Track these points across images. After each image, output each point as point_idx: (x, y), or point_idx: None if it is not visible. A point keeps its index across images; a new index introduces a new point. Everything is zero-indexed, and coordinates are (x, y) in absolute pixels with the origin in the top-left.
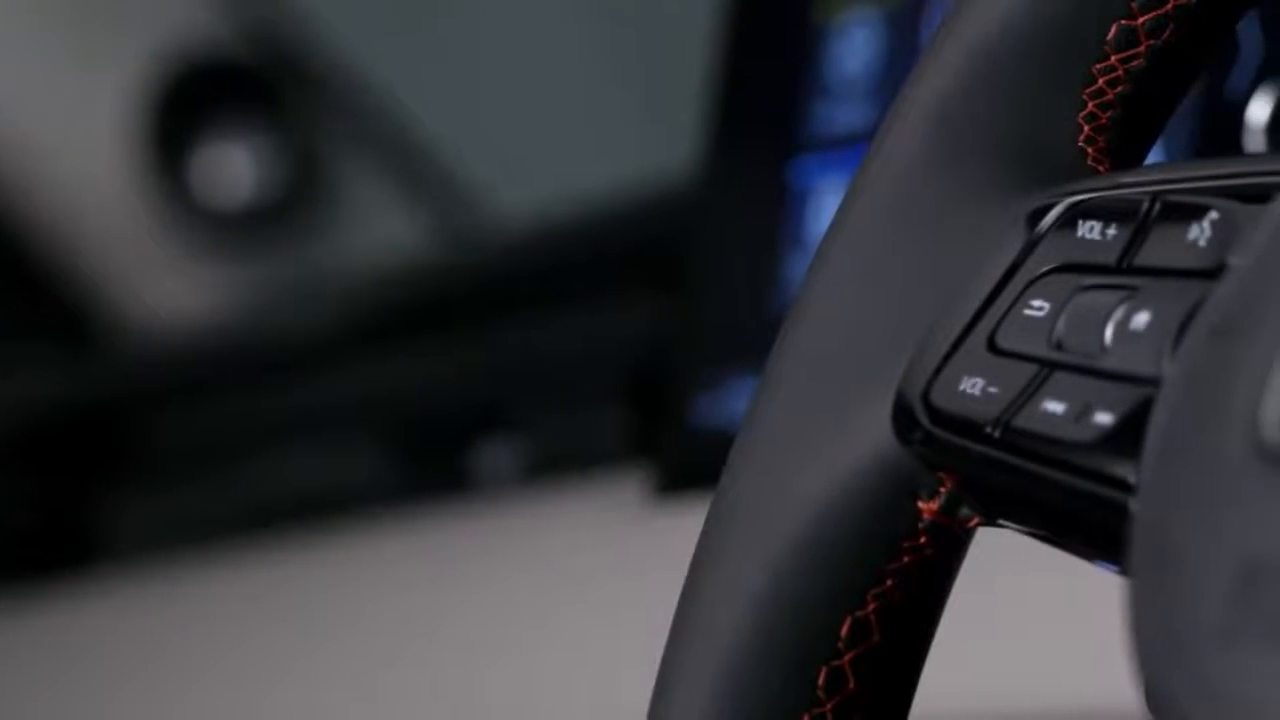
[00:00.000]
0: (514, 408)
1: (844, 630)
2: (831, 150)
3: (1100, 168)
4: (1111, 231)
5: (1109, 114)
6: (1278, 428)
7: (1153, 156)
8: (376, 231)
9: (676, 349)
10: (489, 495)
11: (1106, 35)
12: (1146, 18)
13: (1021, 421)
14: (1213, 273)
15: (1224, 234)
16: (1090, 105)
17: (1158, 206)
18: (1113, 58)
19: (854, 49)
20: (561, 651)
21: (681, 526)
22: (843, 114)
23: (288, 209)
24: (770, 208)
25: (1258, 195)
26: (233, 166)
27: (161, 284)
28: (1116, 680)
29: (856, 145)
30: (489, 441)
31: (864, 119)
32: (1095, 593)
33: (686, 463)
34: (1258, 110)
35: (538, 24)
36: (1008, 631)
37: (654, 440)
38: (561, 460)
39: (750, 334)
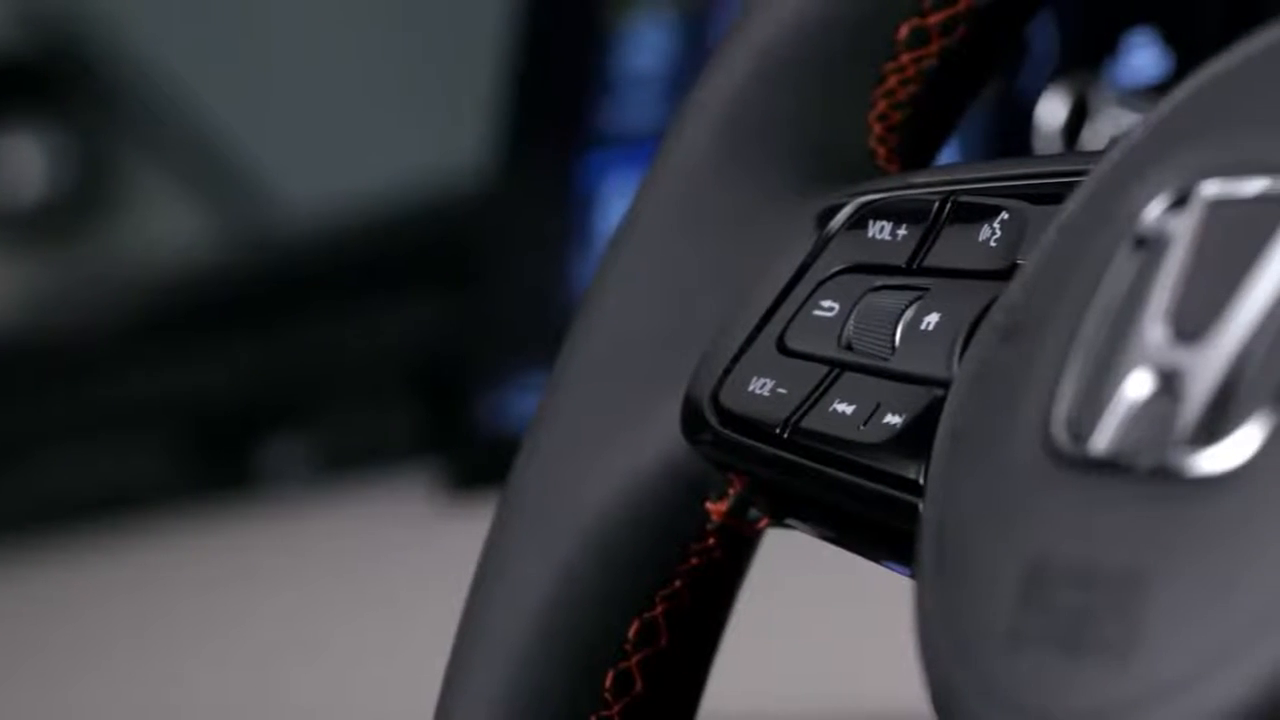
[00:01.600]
0: (304, 406)
1: (632, 632)
2: (621, 149)
3: (892, 167)
4: (902, 232)
5: (900, 114)
6: (1066, 429)
7: (947, 156)
8: (165, 229)
9: (466, 347)
10: (277, 494)
11: (898, 34)
12: (938, 17)
13: (810, 422)
14: (1003, 274)
15: (1014, 235)
16: (881, 105)
17: (949, 207)
18: (904, 57)
19: (644, 48)
20: (349, 651)
21: (470, 526)
22: (632, 113)
23: (75, 206)
24: (560, 206)
25: (1049, 196)
26: (18, 163)
27: None
28: (904, 682)
29: (646, 144)
30: (278, 440)
31: (654, 118)
32: (884, 594)
33: (475, 461)
34: (1047, 110)
35: (328, 21)
36: (795, 633)
37: (444, 439)
38: (351, 459)
39: (540, 332)
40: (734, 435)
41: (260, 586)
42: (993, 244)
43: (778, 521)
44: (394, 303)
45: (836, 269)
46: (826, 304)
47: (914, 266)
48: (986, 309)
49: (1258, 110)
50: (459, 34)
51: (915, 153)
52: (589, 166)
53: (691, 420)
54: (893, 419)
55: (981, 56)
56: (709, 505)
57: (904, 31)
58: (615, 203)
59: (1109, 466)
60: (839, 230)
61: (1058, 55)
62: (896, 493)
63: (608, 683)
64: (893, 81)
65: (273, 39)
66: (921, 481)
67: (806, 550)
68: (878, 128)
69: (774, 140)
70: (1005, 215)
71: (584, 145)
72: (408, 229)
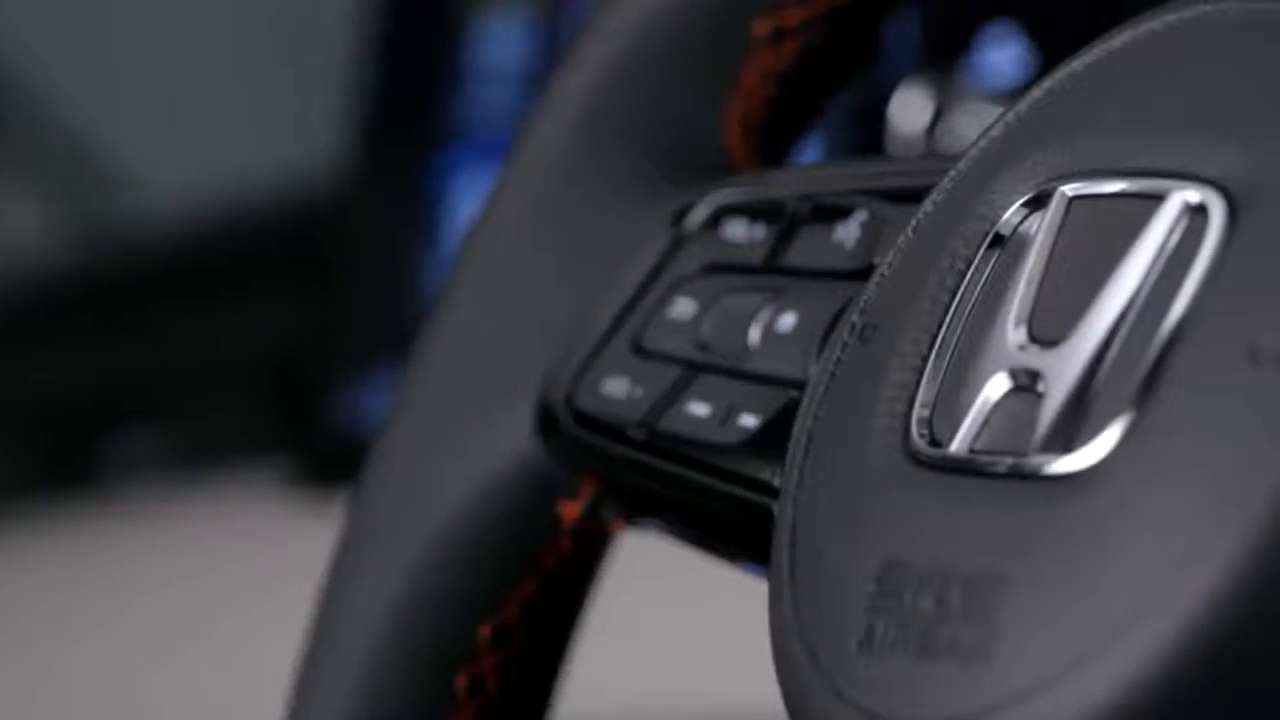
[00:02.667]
0: (157, 402)
1: (485, 633)
2: (474, 147)
3: (749, 166)
4: (759, 232)
5: (758, 112)
6: (923, 431)
7: (809, 155)
8: (17, 224)
9: (319, 343)
10: (128, 490)
11: (755, 32)
12: (796, 14)
13: (666, 424)
14: (861, 274)
15: (872, 235)
16: (739, 103)
17: (806, 207)
18: (761, 55)
19: (497, 45)
20: (198, 649)
21: (321, 523)
22: (485, 111)
23: None
24: (412, 204)
25: (907, 196)
26: None
27: None
28: (763, 684)
29: (499, 142)
30: (130, 436)
31: (507, 115)
32: (741, 596)
33: (327, 459)
34: (901, 108)
35: (182, 16)
36: (650, 633)
37: (296, 436)
38: (203, 456)
39: (393, 329)
40: (588, 436)
41: (108, 583)
42: (850, 244)
43: (632, 523)
44: (246, 299)
45: (693, 269)
46: (683, 304)
47: (771, 267)
48: (844, 310)
49: (1116, 110)
50: (313, 29)
51: (773, 151)
52: (442, 164)
53: (545, 421)
54: (749, 420)
55: (840, 54)
56: (562, 506)
57: (761, 29)
58: (467, 201)
59: (966, 468)
60: (695, 230)
61: (919, 51)
62: (752, 495)
63: (461, 684)
64: (750, 79)
65: (126, 34)
66: (777, 483)
67: (662, 551)
68: (735, 126)
69: (630, 139)
70: (863, 215)
71: (437, 143)
72: (260, 225)
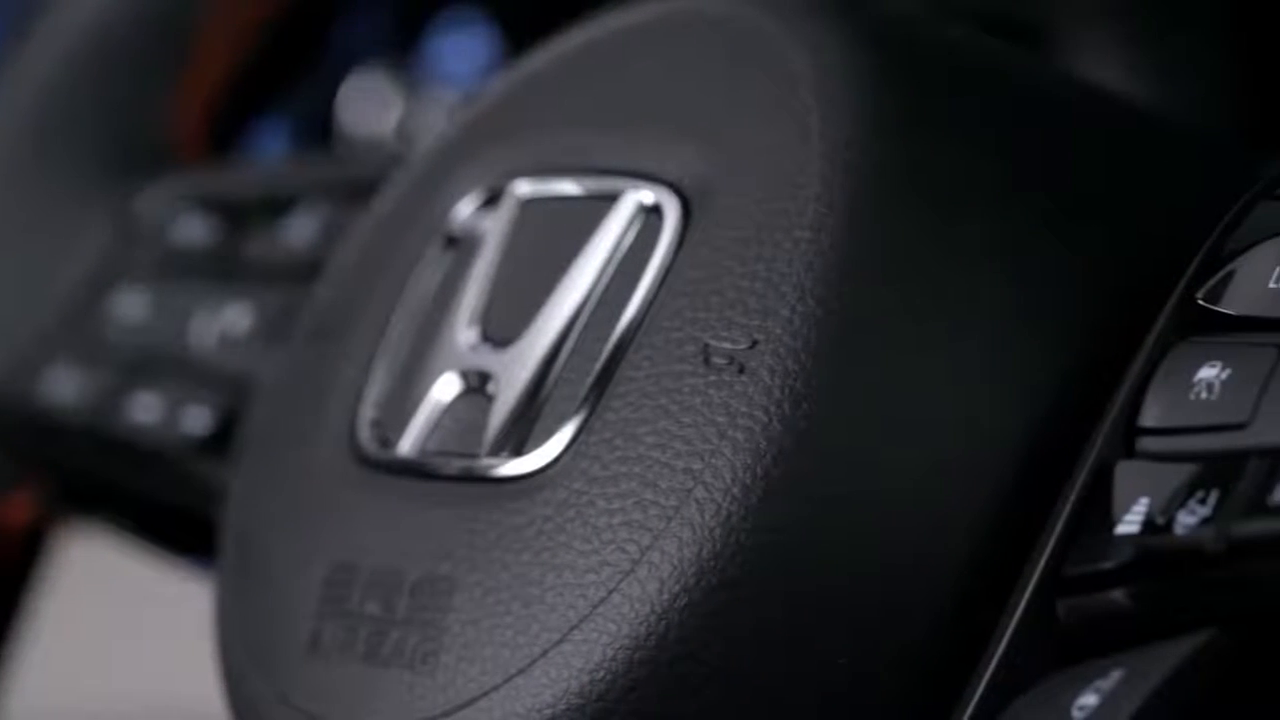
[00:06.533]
0: None
1: None
2: None
3: (203, 157)
4: (211, 226)
5: (211, 102)
6: (372, 433)
7: (272, 148)
8: None
9: None
10: None
11: (208, 24)
12: (248, 9)
13: (112, 423)
14: (314, 271)
15: (325, 232)
16: (187, 96)
17: (259, 202)
18: (214, 45)
19: None
20: None
21: None
22: None
23: None
24: None
25: (360, 192)
26: None
27: None
28: (207, 686)
29: None
30: None
31: None
32: (189, 595)
33: None
34: (353, 100)
35: None
36: (97, 631)
37: None
38: None
39: None
40: (33, 435)
41: None
42: (303, 241)
43: (82, 519)
44: None
45: (142, 264)
46: (131, 301)
47: (222, 262)
48: (294, 308)
49: (576, 109)
50: None
51: (227, 139)
52: None
53: None
54: (197, 420)
55: (294, 44)
56: (6, 505)
57: (214, 19)
58: None
59: (416, 470)
60: (145, 224)
61: (380, 39)
62: (199, 495)
63: None
64: (199, 73)
65: None
66: (223, 485)
67: (108, 549)
68: (188, 116)
69: (76, 133)
70: (317, 211)
71: None
72: None
